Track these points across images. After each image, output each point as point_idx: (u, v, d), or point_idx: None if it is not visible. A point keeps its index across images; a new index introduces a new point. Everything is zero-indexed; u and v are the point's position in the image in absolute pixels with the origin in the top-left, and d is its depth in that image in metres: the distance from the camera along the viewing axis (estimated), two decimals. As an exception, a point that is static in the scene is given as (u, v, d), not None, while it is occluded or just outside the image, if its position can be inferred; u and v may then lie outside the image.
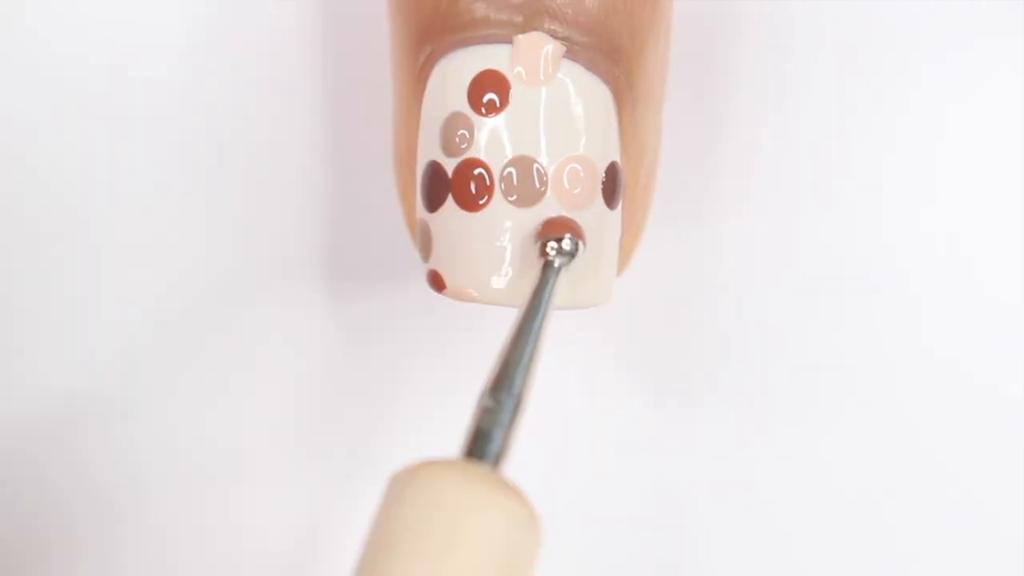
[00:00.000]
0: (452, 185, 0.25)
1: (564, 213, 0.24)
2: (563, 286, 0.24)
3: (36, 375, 0.30)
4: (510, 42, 0.24)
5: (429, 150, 0.25)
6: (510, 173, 0.24)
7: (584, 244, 0.24)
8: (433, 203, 0.25)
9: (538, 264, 0.24)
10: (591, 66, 0.25)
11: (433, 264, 0.25)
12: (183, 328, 0.30)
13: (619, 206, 0.25)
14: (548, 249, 0.24)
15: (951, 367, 0.30)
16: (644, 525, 0.30)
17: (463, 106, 0.25)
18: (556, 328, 0.30)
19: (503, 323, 0.30)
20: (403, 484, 0.21)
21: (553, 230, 0.24)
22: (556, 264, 0.24)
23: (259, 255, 0.30)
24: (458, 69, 0.25)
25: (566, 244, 0.24)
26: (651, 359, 0.30)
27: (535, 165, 0.24)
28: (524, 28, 0.24)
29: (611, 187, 0.25)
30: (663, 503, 0.30)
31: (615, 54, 0.25)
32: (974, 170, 0.30)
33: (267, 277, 0.30)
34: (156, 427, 0.30)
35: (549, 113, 0.24)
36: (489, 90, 0.24)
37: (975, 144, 0.30)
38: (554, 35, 0.24)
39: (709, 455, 0.30)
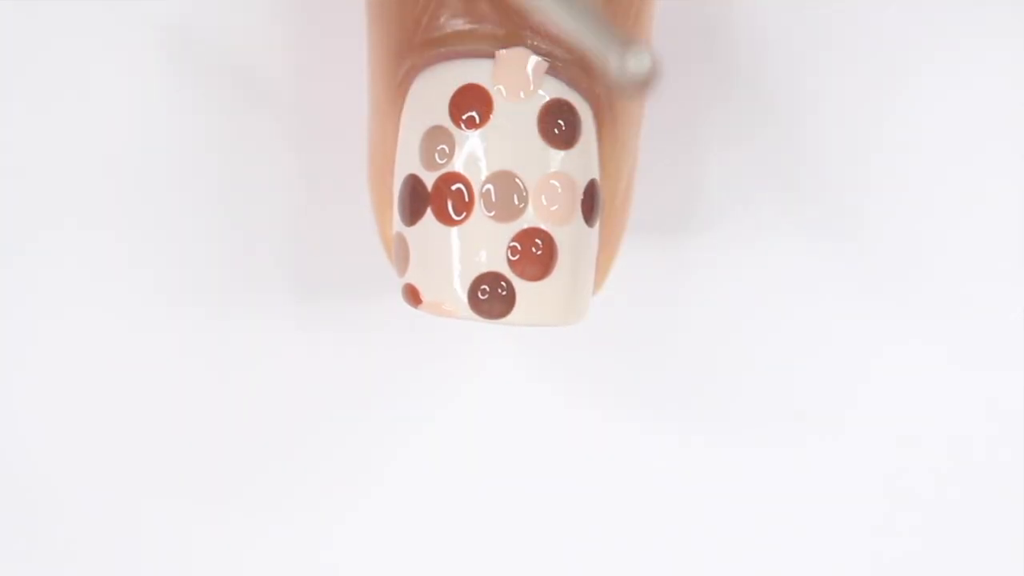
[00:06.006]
0: (431, 199, 0.24)
1: (543, 227, 0.24)
2: (539, 304, 0.24)
3: (5, 384, 0.30)
4: (492, 56, 0.24)
5: (408, 163, 0.25)
6: (489, 188, 0.24)
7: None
8: (411, 217, 0.25)
9: None
10: (572, 82, 0.25)
11: (409, 278, 0.25)
12: (152, 338, 0.30)
13: (597, 224, 0.25)
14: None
15: (940, 379, 0.30)
16: (622, 537, 0.30)
17: (444, 120, 0.24)
18: (533, 345, 0.30)
19: (476, 336, 0.30)
20: None
21: None
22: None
23: (229, 267, 0.30)
24: (439, 83, 0.25)
25: None
26: (629, 374, 0.30)
27: (515, 180, 0.24)
28: (506, 43, 0.24)
29: (590, 204, 0.25)
30: (643, 515, 0.30)
31: (595, 71, 0.25)
32: (968, 176, 0.30)
33: (237, 289, 0.30)
34: (124, 438, 0.30)
35: (530, 128, 0.24)
36: (471, 104, 0.24)
37: (969, 150, 0.30)
38: (536, 50, 0.24)
39: (690, 470, 0.30)
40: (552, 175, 0.24)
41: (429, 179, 0.24)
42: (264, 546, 0.30)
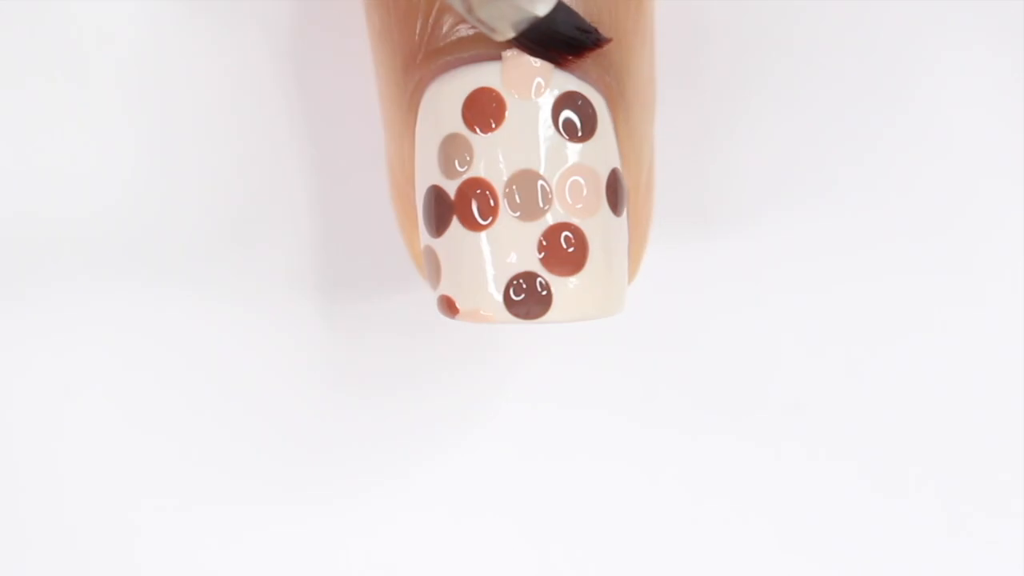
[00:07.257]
0: (456, 207, 0.24)
1: (571, 220, 0.24)
2: (576, 299, 0.24)
3: (37, 378, 0.30)
4: (499, 58, 0.24)
5: (428, 175, 0.25)
6: (513, 189, 0.24)
7: None
8: (438, 227, 0.25)
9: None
10: (582, 75, 0.25)
11: (443, 290, 0.25)
12: (178, 337, 0.30)
13: (624, 212, 0.25)
14: None
15: (959, 379, 0.30)
16: (645, 531, 0.30)
17: (459, 127, 0.24)
18: (560, 340, 0.30)
19: (501, 332, 0.30)
20: None
21: None
22: None
23: (252, 267, 0.30)
24: (450, 90, 0.25)
25: None
26: (657, 370, 0.30)
27: (538, 178, 0.24)
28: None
29: (614, 193, 0.25)
30: (666, 510, 0.30)
31: (604, 61, 0.25)
32: (978, 176, 0.30)
33: (261, 288, 0.30)
34: (146, 438, 0.30)
35: (546, 124, 0.24)
36: (484, 108, 0.24)
37: (981, 149, 0.30)
38: (543, 47, 0.24)
39: (716, 467, 0.30)
40: (573, 168, 0.24)
41: (451, 187, 0.24)
42: (283, 543, 0.30)
